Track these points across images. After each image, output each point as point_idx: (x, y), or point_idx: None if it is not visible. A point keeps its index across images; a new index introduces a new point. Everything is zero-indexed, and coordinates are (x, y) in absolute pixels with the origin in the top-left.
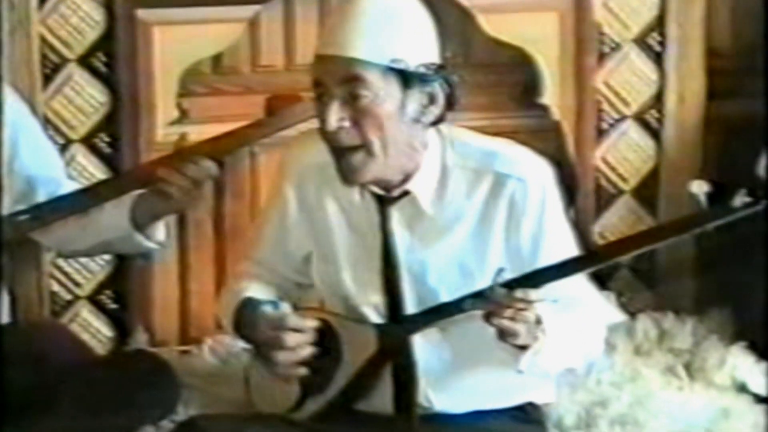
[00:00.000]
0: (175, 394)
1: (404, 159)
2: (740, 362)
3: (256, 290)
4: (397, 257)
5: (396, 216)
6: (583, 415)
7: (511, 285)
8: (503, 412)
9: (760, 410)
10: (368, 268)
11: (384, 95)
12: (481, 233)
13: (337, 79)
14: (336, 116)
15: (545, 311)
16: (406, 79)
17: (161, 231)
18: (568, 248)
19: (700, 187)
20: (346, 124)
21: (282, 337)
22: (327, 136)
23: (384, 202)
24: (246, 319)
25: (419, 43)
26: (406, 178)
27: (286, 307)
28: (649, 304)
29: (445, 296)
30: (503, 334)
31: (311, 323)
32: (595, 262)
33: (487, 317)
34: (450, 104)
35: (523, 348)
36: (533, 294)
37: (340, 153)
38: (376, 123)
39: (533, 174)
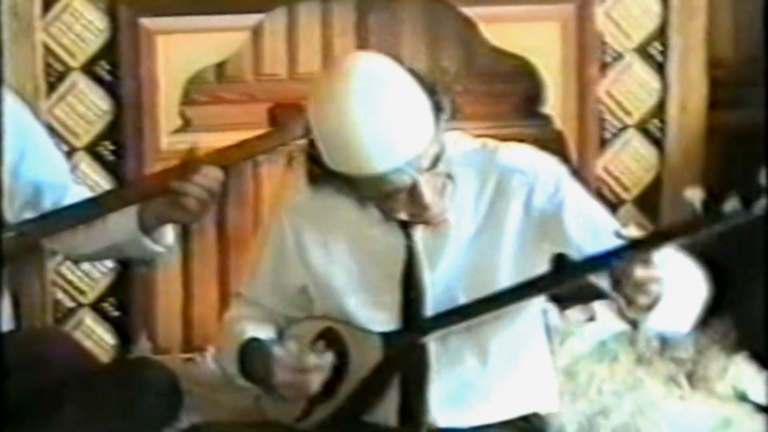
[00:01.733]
0: (178, 402)
1: None
2: (742, 372)
3: (254, 331)
4: (422, 277)
5: (420, 235)
6: (584, 424)
7: (517, 290)
8: (507, 423)
9: (761, 419)
10: (385, 292)
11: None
12: (496, 232)
13: (409, 182)
14: (433, 199)
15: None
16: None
17: (169, 235)
18: (604, 217)
19: (694, 194)
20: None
21: (305, 381)
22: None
23: (407, 224)
24: (256, 363)
25: (423, 94)
26: None
27: (294, 346)
28: None
29: None
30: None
31: (329, 358)
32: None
33: (616, 285)
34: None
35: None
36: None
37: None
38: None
39: (541, 166)
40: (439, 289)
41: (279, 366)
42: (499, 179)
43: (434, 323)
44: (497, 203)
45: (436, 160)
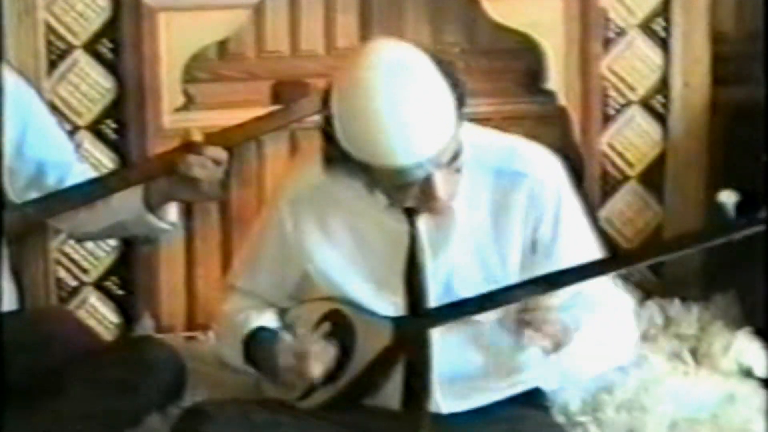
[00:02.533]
0: (181, 380)
1: None
2: (746, 347)
3: (259, 320)
4: (423, 265)
5: (424, 224)
6: (588, 400)
7: (531, 284)
8: (510, 401)
9: (765, 395)
10: (388, 280)
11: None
12: (502, 232)
13: (422, 175)
14: (443, 185)
15: (577, 314)
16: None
17: (173, 212)
18: (586, 245)
19: (728, 198)
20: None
21: (307, 366)
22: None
23: (410, 211)
24: (263, 349)
25: (447, 88)
26: None
27: (301, 331)
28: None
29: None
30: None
31: (332, 348)
32: (615, 265)
33: (519, 323)
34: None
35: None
36: (555, 299)
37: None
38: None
39: (549, 172)
40: (440, 279)
41: (282, 350)
42: (511, 182)
43: (445, 313)
44: (505, 204)
45: (454, 157)
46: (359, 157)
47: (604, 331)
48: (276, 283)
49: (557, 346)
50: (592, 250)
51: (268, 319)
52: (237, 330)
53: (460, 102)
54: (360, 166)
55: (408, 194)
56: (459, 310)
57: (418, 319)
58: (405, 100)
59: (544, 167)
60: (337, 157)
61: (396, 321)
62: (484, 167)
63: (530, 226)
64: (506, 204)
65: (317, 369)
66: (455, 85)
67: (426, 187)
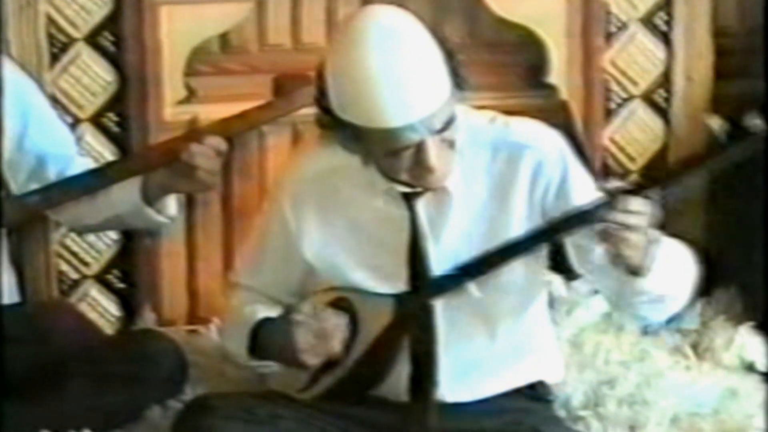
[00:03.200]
0: (182, 374)
1: None
2: (748, 342)
3: (265, 312)
4: (426, 250)
5: (421, 209)
6: (590, 394)
7: (530, 239)
8: (513, 393)
9: (767, 390)
10: (391, 267)
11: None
12: (503, 209)
13: (423, 136)
14: (437, 158)
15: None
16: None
17: (172, 205)
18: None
19: (713, 122)
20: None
21: (328, 341)
22: (416, 175)
23: (409, 197)
24: (274, 336)
25: (441, 56)
26: None
27: (310, 308)
28: None
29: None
30: (618, 256)
31: (343, 317)
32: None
33: (601, 236)
34: None
35: (635, 273)
36: (638, 203)
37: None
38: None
39: (548, 141)
40: (443, 262)
41: (300, 330)
42: (510, 155)
43: (444, 283)
44: (506, 179)
45: (447, 124)
46: (352, 120)
47: (681, 257)
48: (280, 279)
49: (645, 257)
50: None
51: (273, 312)
52: (244, 322)
53: (455, 73)
54: (354, 133)
55: (401, 164)
56: (459, 278)
57: (418, 295)
58: (397, 61)
59: (544, 137)
60: (332, 126)
61: (397, 297)
62: (480, 144)
63: (538, 195)
64: (509, 177)
65: (338, 344)
66: (450, 55)
67: (419, 155)
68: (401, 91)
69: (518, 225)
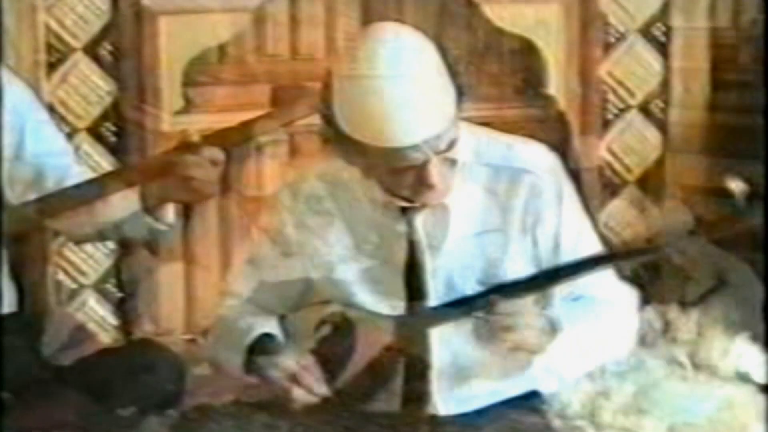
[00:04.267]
0: (180, 383)
1: None
2: (744, 353)
3: (263, 326)
4: (423, 265)
5: (421, 223)
6: (586, 404)
7: (526, 284)
8: (506, 402)
9: (763, 400)
10: (389, 280)
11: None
12: (501, 230)
13: (421, 160)
14: (439, 177)
15: (562, 314)
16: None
17: (170, 213)
18: (587, 240)
19: (737, 186)
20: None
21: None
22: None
23: (407, 212)
24: (269, 359)
25: (450, 81)
26: None
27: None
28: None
29: None
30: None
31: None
32: (613, 259)
33: (493, 332)
34: None
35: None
36: (519, 304)
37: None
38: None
39: (549, 169)
40: (440, 278)
41: (281, 369)
42: (510, 177)
43: (444, 313)
44: (505, 200)
45: (450, 145)
46: (357, 137)
47: (597, 327)
48: (275, 290)
49: (537, 348)
50: (593, 245)
51: (271, 326)
52: (239, 336)
53: (459, 92)
54: (356, 148)
55: (403, 180)
56: (460, 309)
57: (419, 317)
58: (406, 80)
59: (543, 163)
60: (335, 139)
61: (397, 320)
62: (482, 164)
63: (530, 221)
64: (506, 200)
65: (320, 388)
66: (455, 74)
67: (421, 173)
68: (408, 112)
69: (514, 246)
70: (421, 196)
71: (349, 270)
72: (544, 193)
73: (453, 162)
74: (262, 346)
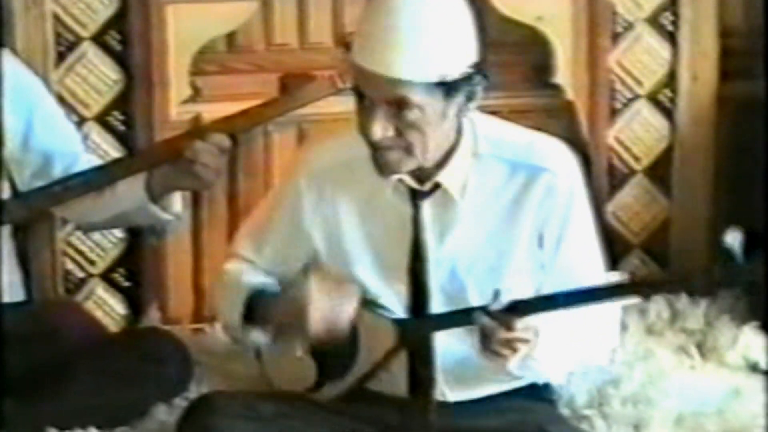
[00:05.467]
0: (188, 372)
1: (439, 150)
2: (752, 342)
3: (265, 280)
4: (426, 250)
5: (428, 208)
6: (595, 393)
7: (525, 306)
8: (515, 391)
9: None
10: (394, 263)
11: (430, 110)
12: (511, 225)
13: (383, 96)
14: (381, 128)
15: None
16: (451, 88)
17: (177, 202)
18: (589, 249)
19: (734, 239)
20: (390, 133)
21: (340, 312)
22: (368, 139)
23: (416, 195)
24: (277, 303)
25: (463, 49)
26: (440, 164)
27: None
28: None
29: (473, 289)
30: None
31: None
32: (617, 294)
33: (482, 342)
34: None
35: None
36: (521, 323)
37: (378, 148)
38: (419, 132)
39: (565, 168)
40: (445, 266)
41: (317, 286)
42: (528, 175)
43: (450, 319)
44: (520, 197)
45: (422, 108)
46: (361, 61)
47: (580, 326)
48: (281, 258)
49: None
50: (594, 255)
51: (272, 284)
52: (241, 287)
53: (479, 66)
54: (356, 76)
55: (377, 113)
56: (464, 318)
57: (421, 322)
58: (423, 19)
59: (561, 163)
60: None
61: (399, 323)
62: (500, 159)
63: (540, 219)
64: (521, 197)
65: (348, 315)
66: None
67: (400, 105)
68: (394, 40)
69: (523, 244)
70: (393, 142)
71: (355, 246)
72: (558, 193)
73: (421, 131)
74: (265, 293)
